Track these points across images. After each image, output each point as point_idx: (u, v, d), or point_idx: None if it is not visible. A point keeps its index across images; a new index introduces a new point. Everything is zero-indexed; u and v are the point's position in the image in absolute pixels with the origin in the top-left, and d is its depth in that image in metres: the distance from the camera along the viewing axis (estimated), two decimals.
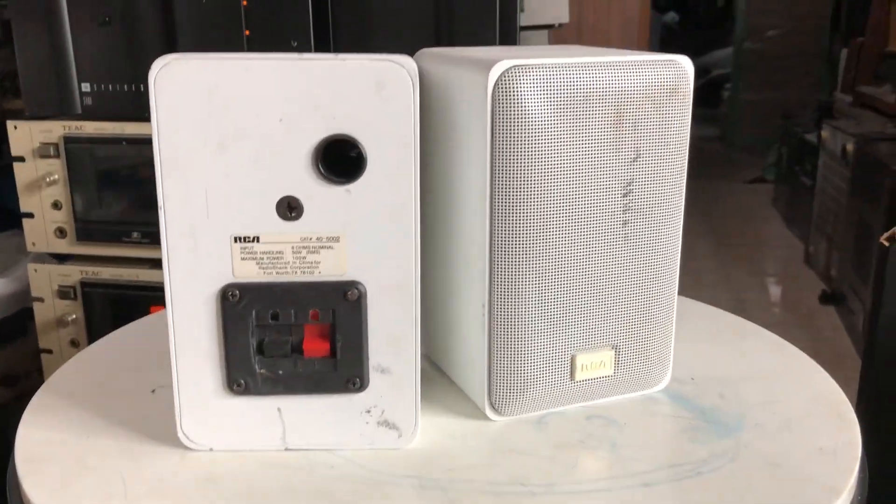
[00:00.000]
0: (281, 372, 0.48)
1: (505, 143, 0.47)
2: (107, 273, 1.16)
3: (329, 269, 0.47)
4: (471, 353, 0.53)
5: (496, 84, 0.47)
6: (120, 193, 1.14)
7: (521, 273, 0.50)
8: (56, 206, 1.14)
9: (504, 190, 0.48)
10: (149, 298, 1.14)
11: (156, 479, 0.47)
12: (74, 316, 1.18)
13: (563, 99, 0.48)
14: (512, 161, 0.48)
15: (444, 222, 0.54)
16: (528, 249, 0.49)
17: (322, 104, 0.44)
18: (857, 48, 2.53)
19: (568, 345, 0.52)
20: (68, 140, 1.12)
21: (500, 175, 0.48)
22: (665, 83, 0.50)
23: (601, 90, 0.48)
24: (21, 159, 1.13)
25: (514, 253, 0.49)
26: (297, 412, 0.49)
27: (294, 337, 0.48)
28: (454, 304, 0.55)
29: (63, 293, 1.17)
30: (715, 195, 3.48)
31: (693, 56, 0.52)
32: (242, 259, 0.46)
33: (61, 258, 1.19)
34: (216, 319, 0.47)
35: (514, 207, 0.48)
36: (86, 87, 1.12)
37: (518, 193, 0.48)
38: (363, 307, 0.47)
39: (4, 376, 1.30)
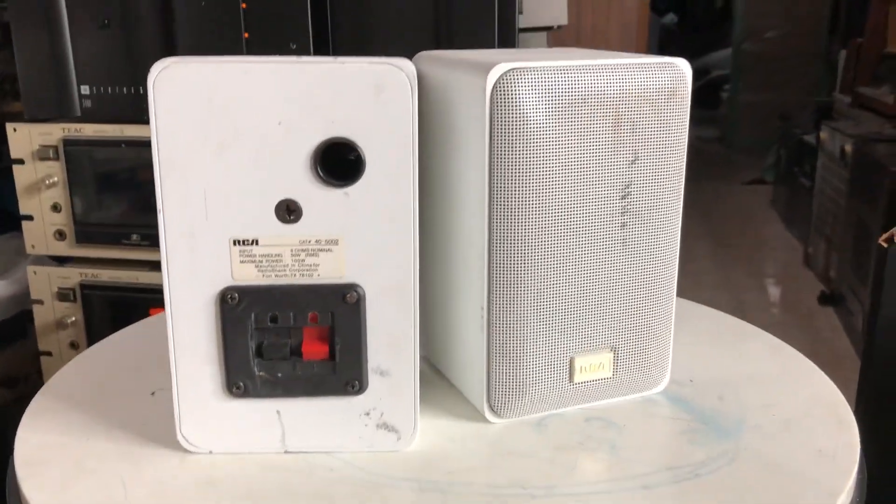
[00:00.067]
0: (280, 375, 0.48)
1: (503, 145, 0.47)
2: (106, 275, 1.16)
3: (328, 271, 0.47)
4: (470, 355, 0.53)
5: (494, 86, 0.47)
6: (119, 196, 1.14)
7: (519, 275, 0.50)
8: (55, 208, 1.14)
9: (502, 192, 0.48)
10: (148, 301, 1.14)
11: (155, 481, 0.47)
12: (74, 318, 1.18)
13: (561, 101, 0.48)
14: (510, 163, 0.48)
15: (443, 225, 0.54)
16: (526, 252, 0.49)
17: (321, 107, 0.44)
18: (856, 49, 2.53)
19: (567, 347, 0.52)
20: (68, 142, 1.12)
21: (499, 177, 0.48)
22: (663, 86, 0.50)
23: (599, 93, 0.48)
24: (20, 162, 1.13)
25: (512, 255, 0.49)
26: (297, 415, 0.49)
27: (293, 340, 0.48)
28: (453, 306, 0.55)
29: (62, 295, 1.17)
30: (714, 196, 3.48)
31: (692, 57, 0.52)
32: (241, 262, 0.46)
33: (61, 260, 1.19)
34: (215, 322, 0.47)
35: (513, 210, 0.48)
36: (85, 89, 1.12)
37: (516, 196, 0.48)
38: (362, 310, 0.47)
39: (4, 378, 1.30)
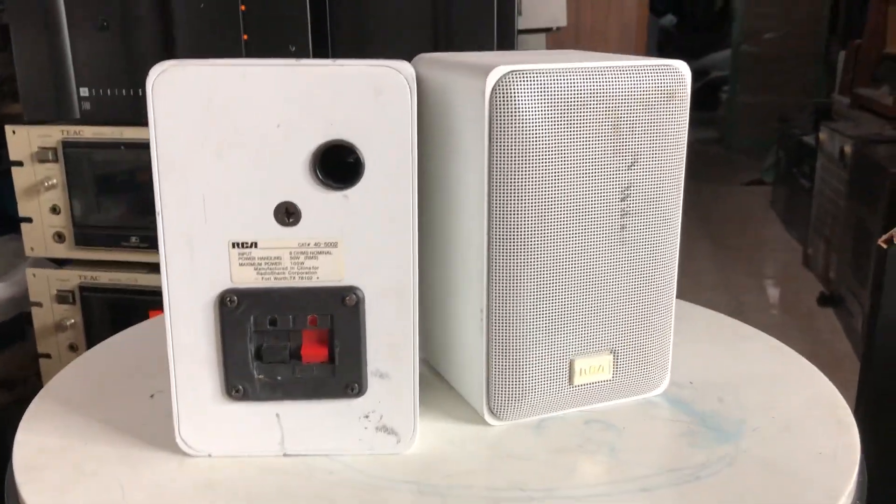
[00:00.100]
0: (279, 377, 0.48)
1: (502, 148, 0.47)
2: (105, 277, 1.16)
3: (327, 274, 0.47)
4: (469, 357, 0.53)
5: (493, 89, 0.47)
6: (118, 198, 1.14)
7: (518, 278, 0.50)
8: (54, 210, 1.14)
9: (501, 194, 0.48)
10: (147, 303, 1.14)
11: (154, 485, 0.46)
12: (73, 320, 1.18)
13: (560, 104, 0.48)
14: (509, 166, 0.48)
15: (443, 227, 0.54)
16: (525, 254, 0.49)
17: (320, 110, 0.44)
18: (855, 50, 2.53)
19: (566, 349, 0.52)
20: (67, 145, 1.12)
21: (498, 180, 0.48)
22: (663, 88, 0.50)
23: (598, 95, 0.48)
24: (19, 164, 1.13)
25: (511, 257, 0.49)
26: (296, 418, 0.49)
27: (292, 342, 0.48)
28: (452, 308, 0.55)
29: (61, 298, 1.17)
30: (713, 197, 3.48)
31: (690, 59, 0.52)
32: (240, 265, 0.46)
33: (60, 263, 1.19)
34: (214, 325, 0.47)
35: (512, 212, 0.48)
36: (84, 91, 1.12)
37: (515, 198, 0.48)
38: (361, 312, 0.47)
39: (3, 381, 1.30)
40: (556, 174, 0.49)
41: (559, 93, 0.48)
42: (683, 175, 0.53)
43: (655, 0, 4.47)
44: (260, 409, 0.49)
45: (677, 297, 0.56)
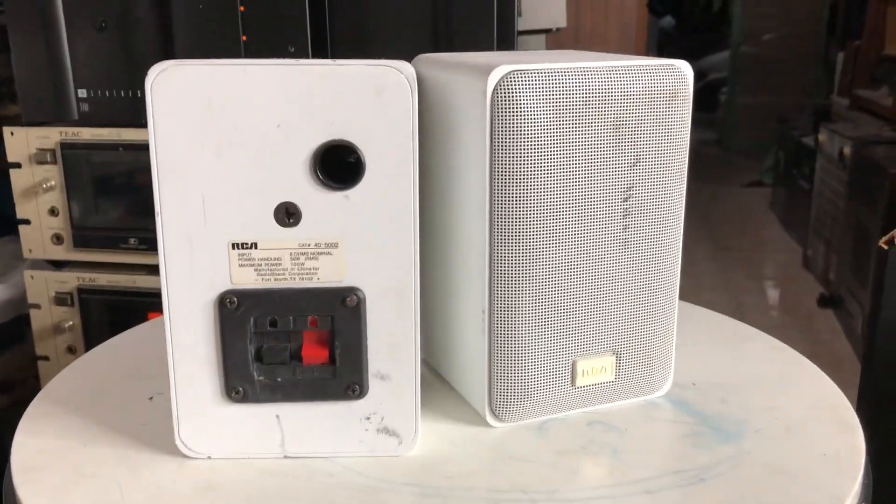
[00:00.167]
0: (279, 379, 0.48)
1: (504, 147, 0.47)
2: (104, 279, 1.16)
3: (327, 275, 0.47)
4: (471, 358, 0.53)
5: (495, 89, 0.46)
6: (117, 199, 1.14)
7: (520, 278, 0.49)
8: (53, 212, 1.14)
9: (503, 194, 0.48)
10: (146, 305, 1.14)
11: (153, 487, 0.46)
12: (71, 323, 1.17)
13: (562, 104, 0.47)
14: (511, 166, 0.47)
15: (444, 227, 0.54)
16: (527, 254, 0.49)
17: (320, 109, 0.44)
18: (854, 51, 2.53)
19: (569, 350, 0.52)
20: (65, 146, 1.11)
21: (500, 180, 0.48)
22: (665, 88, 0.50)
23: (600, 95, 0.48)
24: (17, 165, 1.13)
25: (513, 258, 0.49)
26: (296, 419, 0.48)
27: (293, 344, 0.48)
28: (454, 309, 0.55)
29: (60, 300, 1.16)
30: (713, 199, 3.48)
31: (689, 60, 0.52)
32: (240, 265, 0.46)
33: (58, 265, 1.18)
34: (214, 326, 0.47)
35: (514, 212, 0.48)
36: (82, 93, 1.12)
37: (517, 198, 0.48)
38: (362, 313, 0.47)
39: (1, 383, 1.30)
40: (559, 174, 0.48)
41: (561, 92, 0.47)
42: (686, 175, 0.52)
43: (654, 1, 4.47)
44: (260, 410, 0.48)
45: (678, 298, 0.55)
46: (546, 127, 0.47)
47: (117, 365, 0.62)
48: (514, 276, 0.49)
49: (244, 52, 1.07)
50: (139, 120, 1.10)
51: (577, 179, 0.49)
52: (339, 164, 0.45)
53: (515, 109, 0.47)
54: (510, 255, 0.49)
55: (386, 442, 0.49)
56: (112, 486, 0.46)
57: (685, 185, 0.53)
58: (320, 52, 1.09)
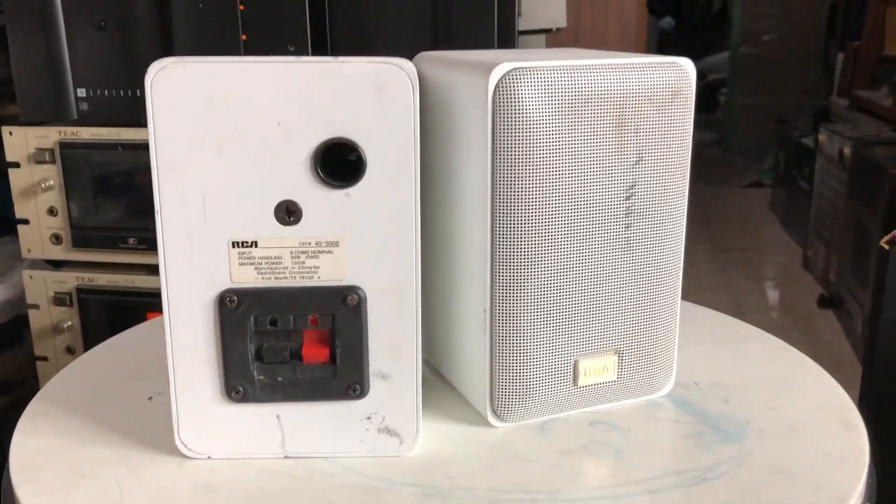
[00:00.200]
0: (280, 378, 0.47)
1: (506, 145, 0.47)
2: (103, 279, 1.16)
3: (328, 273, 0.46)
4: (472, 358, 0.53)
5: (497, 86, 0.46)
6: (116, 199, 1.13)
7: (522, 277, 0.49)
8: (51, 212, 1.13)
9: (505, 193, 0.48)
10: (145, 305, 1.13)
11: (153, 487, 0.46)
12: (70, 323, 1.17)
13: (564, 101, 0.47)
14: (513, 164, 0.47)
15: (445, 226, 0.54)
16: (529, 253, 0.49)
17: (321, 107, 0.44)
18: (854, 52, 2.53)
19: (571, 350, 0.51)
20: (64, 146, 1.11)
21: (501, 178, 0.48)
22: (667, 86, 0.49)
23: (602, 93, 0.48)
24: (16, 165, 1.12)
25: (515, 257, 0.49)
26: (297, 419, 0.48)
27: (293, 343, 0.47)
28: (455, 308, 0.54)
29: (59, 300, 1.16)
30: (713, 199, 3.48)
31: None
32: (240, 264, 0.46)
33: (57, 265, 1.18)
34: (214, 325, 0.47)
35: (516, 211, 0.48)
36: (81, 92, 1.11)
37: (519, 197, 0.48)
38: (363, 312, 0.47)
39: (0, 383, 1.29)
40: (560, 172, 0.48)
41: (563, 90, 0.47)
42: (688, 173, 0.52)
43: (654, 1, 4.47)
44: (260, 410, 0.48)
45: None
46: (547, 125, 0.47)
47: (116, 365, 0.62)
48: (515, 274, 0.49)
49: (244, 52, 1.07)
50: (138, 119, 1.10)
51: (579, 177, 0.49)
52: (339, 162, 0.45)
53: (517, 107, 0.46)
54: (511, 253, 0.49)
55: (387, 442, 0.49)
56: (112, 486, 0.46)
57: (688, 184, 0.52)
58: (320, 51, 1.08)
